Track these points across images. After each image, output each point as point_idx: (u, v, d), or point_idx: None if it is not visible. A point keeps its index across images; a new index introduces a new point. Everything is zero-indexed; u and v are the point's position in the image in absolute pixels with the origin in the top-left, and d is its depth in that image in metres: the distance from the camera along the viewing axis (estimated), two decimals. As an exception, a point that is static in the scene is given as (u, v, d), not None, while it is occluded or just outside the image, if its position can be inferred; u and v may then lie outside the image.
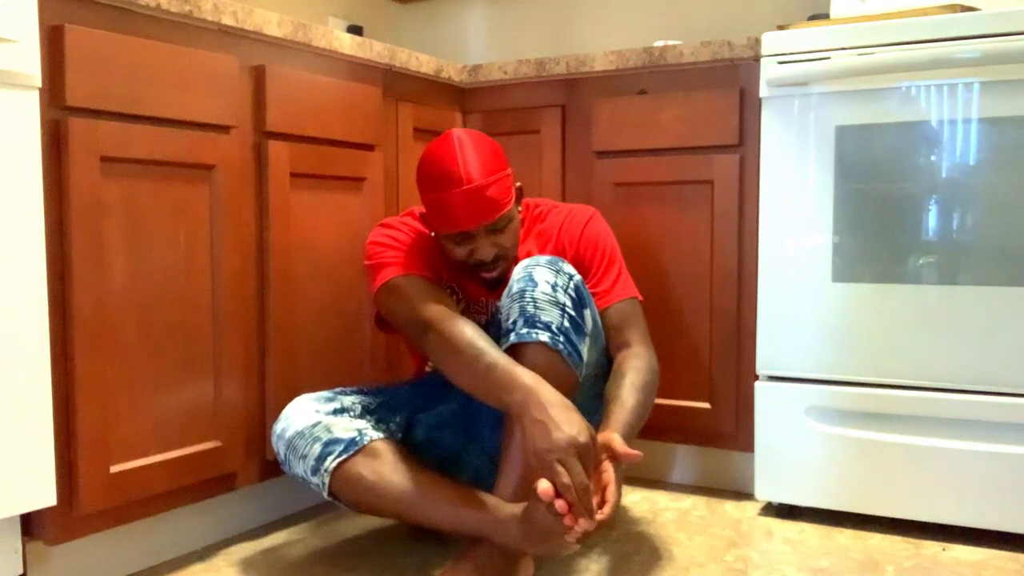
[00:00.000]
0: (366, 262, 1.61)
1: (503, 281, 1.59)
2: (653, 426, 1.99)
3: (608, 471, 1.32)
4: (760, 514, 1.85)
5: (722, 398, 1.92)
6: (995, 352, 1.62)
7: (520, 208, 1.64)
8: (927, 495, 1.68)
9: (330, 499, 1.49)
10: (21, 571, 1.36)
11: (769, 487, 1.83)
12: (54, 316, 1.33)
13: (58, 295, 1.33)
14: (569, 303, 1.45)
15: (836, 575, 1.53)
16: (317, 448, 1.47)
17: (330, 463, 1.46)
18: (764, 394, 1.83)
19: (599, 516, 1.27)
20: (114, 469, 1.41)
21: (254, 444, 1.67)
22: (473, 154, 1.50)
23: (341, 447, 1.47)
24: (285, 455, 1.51)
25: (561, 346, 1.42)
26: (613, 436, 1.36)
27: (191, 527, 1.64)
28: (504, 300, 1.49)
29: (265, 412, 1.68)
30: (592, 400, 1.54)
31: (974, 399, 1.64)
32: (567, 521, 1.24)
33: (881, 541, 1.69)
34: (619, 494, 1.32)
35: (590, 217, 1.69)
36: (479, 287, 1.65)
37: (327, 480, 1.46)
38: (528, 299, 1.43)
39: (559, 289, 1.45)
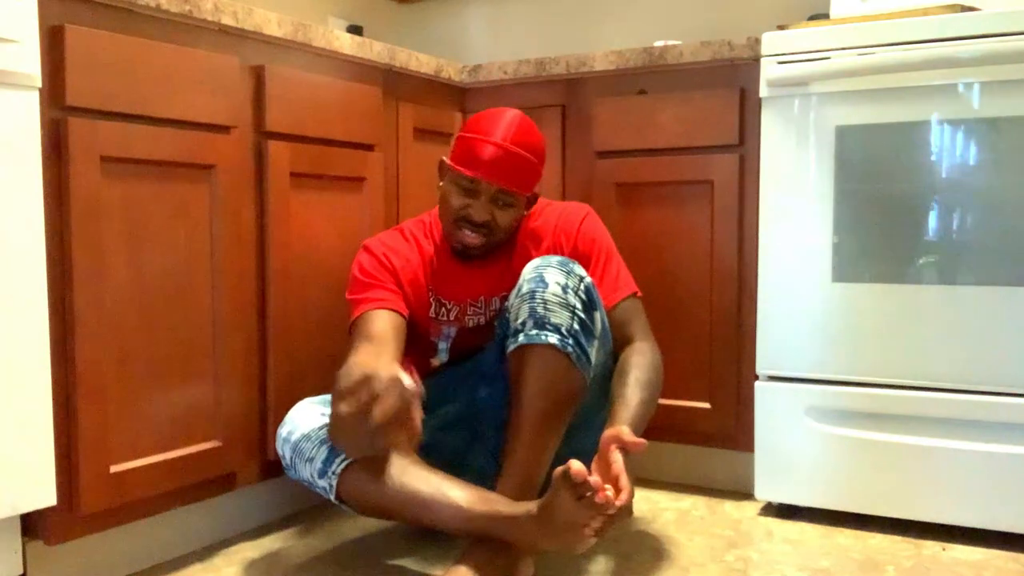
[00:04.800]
0: (347, 296, 1.64)
1: (475, 255, 1.61)
2: (653, 426, 1.98)
3: (617, 461, 1.32)
4: (760, 514, 1.85)
5: (722, 398, 1.92)
6: (995, 352, 1.62)
7: (526, 212, 1.66)
8: (927, 495, 1.68)
9: (337, 503, 1.47)
10: (21, 571, 1.36)
11: (769, 487, 1.83)
12: (54, 316, 1.33)
13: (58, 295, 1.33)
14: (579, 305, 1.45)
15: (836, 575, 1.53)
16: (324, 451, 1.46)
17: (338, 466, 1.44)
18: (764, 394, 1.82)
19: (618, 502, 1.27)
20: (114, 469, 1.41)
21: (254, 444, 1.67)
22: (526, 131, 1.58)
23: None
24: (291, 459, 1.50)
25: (570, 349, 1.42)
26: (622, 428, 1.36)
27: (191, 527, 1.64)
28: (513, 300, 1.49)
29: (265, 412, 1.68)
30: (598, 400, 1.54)
31: (974, 399, 1.64)
32: (599, 497, 1.23)
33: (881, 541, 1.69)
34: (632, 483, 1.31)
35: (585, 215, 1.69)
36: (460, 290, 1.65)
37: (335, 483, 1.44)
38: (538, 300, 1.43)
39: (569, 291, 1.44)
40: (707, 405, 1.94)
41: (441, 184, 1.63)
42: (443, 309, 1.67)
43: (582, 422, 1.52)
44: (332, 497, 1.46)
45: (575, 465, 1.23)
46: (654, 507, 1.89)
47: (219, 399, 1.58)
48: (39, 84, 1.29)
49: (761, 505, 1.90)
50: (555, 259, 1.49)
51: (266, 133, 1.66)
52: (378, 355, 1.43)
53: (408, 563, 1.59)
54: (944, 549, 1.64)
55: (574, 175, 2.08)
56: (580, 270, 1.49)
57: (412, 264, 1.65)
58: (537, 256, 1.59)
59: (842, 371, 1.75)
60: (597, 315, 1.49)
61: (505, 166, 1.54)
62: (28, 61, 1.26)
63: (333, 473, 1.44)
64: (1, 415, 1.25)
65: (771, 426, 1.81)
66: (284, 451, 1.52)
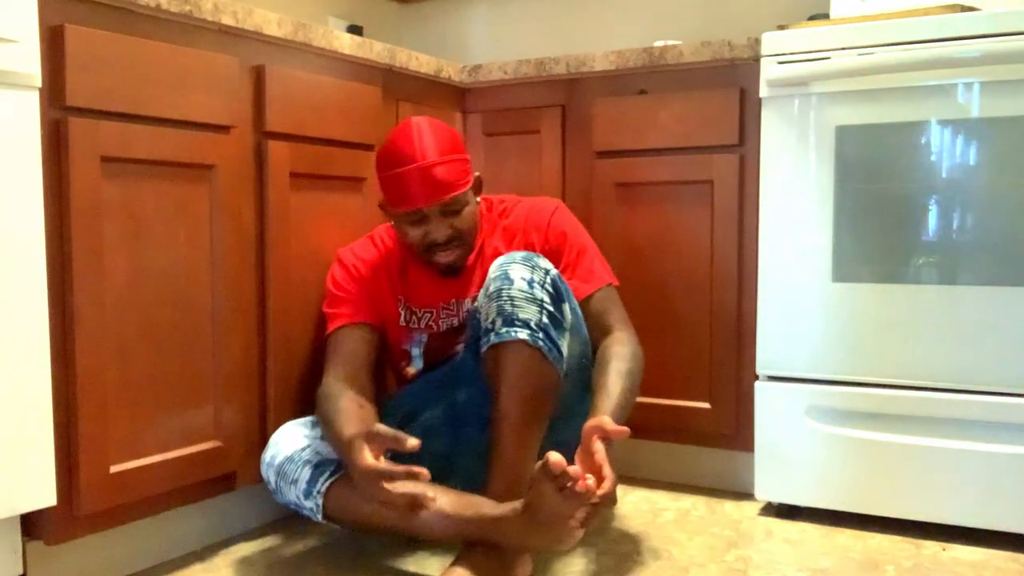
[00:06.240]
0: (323, 308, 1.68)
1: (458, 268, 1.62)
2: (654, 426, 1.99)
3: (600, 451, 1.32)
4: (760, 514, 1.85)
5: (722, 398, 1.92)
6: (995, 352, 1.62)
7: (479, 199, 1.67)
8: (927, 495, 1.68)
9: (325, 522, 1.48)
10: (21, 571, 1.36)
11: (769, 487, 1.83)
12: (54, 316, 1.33)
13: (58, 295, 1.33)
14: (547, 298, 1.45)
15: (836, 575, 1.53)
16: (307, 471, 1.47)
17: (322, 484, 1.45)
18: (764, 394, 1.82)
19: (600, 490, 1.27)
20: (114, 469, 1.41)
21: (254, 444, 1.67)
22: (428, 136, 1.56)
23: (332, 467, 1.46)
24: (276, 482, 1.51)
25: (541, 343, 1.42)
26: (603, 418, 1.36)
27: (191, 527, 1.64)
28: (481, 299, 1.49)
29: (265, 412, 1.68)
30: (578, 392, 1.54)
31: (974, 399, 1.64)
32: (580, 486, 1.23)
33: (881, 541, 1.69)
34: (615, 472, 1.32)
35: (555, 208, 1.69)
36: (431, 295, 1.66)
37: (321, 502, 1.45)
38: (505, 298, 1.44)
39: (536, 285, 1.45)
40: (707, 405, 1.94)
41: (392, 223, 1.65)
42: (414, 316, 1.68)
43: (564, 414, 1.52)
44: (320, 517, 1.46)
45: (553, 457, 1.24)
46: (654, 507, 1.89)
47: (219, 399, 1.58)
48: (39, 84, 1.29)
49: (761, 505, 1.90)
50: (519, 255, 1.49)
51: (266, 133, 1.66)
52: (360, 405, 1.48)
53: (406, 564, 1.59)
54: (944, 549, 1.64)
55: (574, 175, 2.08)
56: (545, 263, 1.49)
57: (380, 275, 1.67)
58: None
59: (842, 371, 1.75)
60: (566, 307, 1.49)
61: (435, 182, 1.53)
62: (28, 61, 1.26)
63: (318, 492, 1.45)
64: (1, 415, 1.25)
65: (771, 426, 1.81)
66: (269, 475, 1.52)
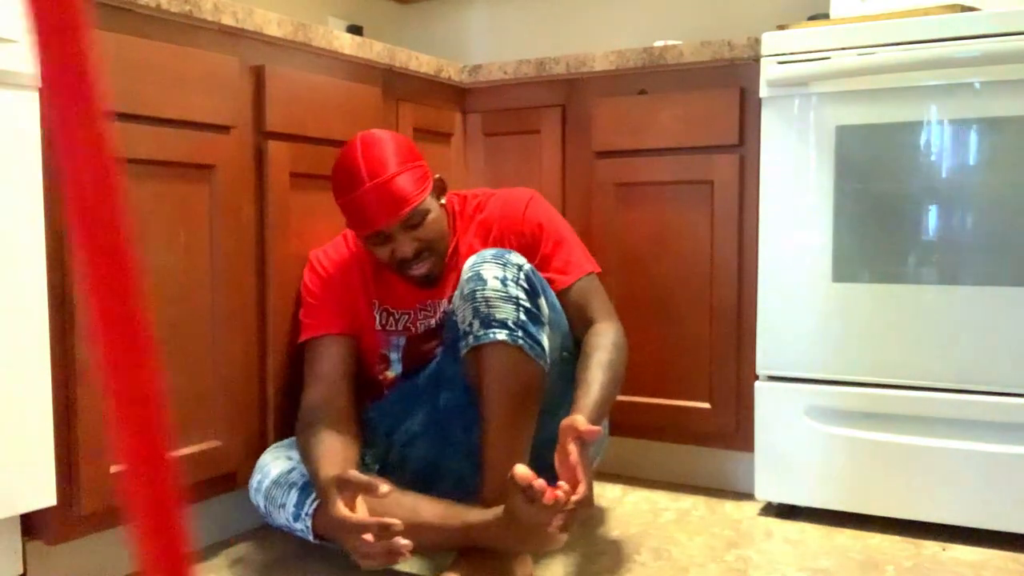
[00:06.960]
0: (299, 315, 1.67)
1: (435, 277, 1.60)
2: (654, 426, 1.99)
3: (573, 453, 1.31)
4: (760, 514, 1.85)
5: (722, 398, 1.92)
6: (995, 352, 1.62)
7: (443, 201, 1.63)
8: (927, 495, 1.68)
9: (318, 542, 1.46)
10: (21, 571, 1.36)
11: (769, 487, 1.83)
12: (54, 316, 1.33)
13: (59, 295, 1.33)
14: (522, 295, 1.43)
15: (836, 575, 1.53)
16: (294, 494, 1.46)
17: (309, 506, 1.44)
18: (764, 394, 1.82)
19: (575, 496, 1.27)
20: (114, 469, 1.41)
21: (254, 444, 1.67)
22: (375, 152, 1.51)
23: None
24: (265, 507, 1.50)
25: (521, 341, 1.41)
26: (577, 417, 1.34)
27: (191, 527, 1.64)
28: (457, 301, 1.48)
29: (265, 412, 1.68)
30: (560, 386, 1.53)
31: (974, 399, 1.64)
32: (547, 498, 1.23)
33: (881, 541, 1.68)
34: (590, 473, 1.31)
35: (529, 199, 1.66)
36: (408, 296, 1.64)
37: (310, 524, 1.44)
38: (480, 299, 1.42)
39: (509, 283, 1.43)
40: (707, 405, 1.94)
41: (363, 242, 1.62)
42: (391, 319, 1.65)
43: (548, 409, 1.50)
44: (311, 538, 1.45)
45: (519, 470, 1.24)
46: (654, 507, 1.89)
47: (219, 399, 1.58)
48: (39, 84, 1.28)
49: (761, 505, 1.90)
50: (489, 253, 1.47)
51: (266, 133, 1.65)
52: (339, 433, 1.47)
53: (405, 564, 1.58)
54: (944, 549, 1.64)
55: (574, 175, 2.08)
56: (517, 259, 1.47)
57: (353, 276, 1.65)
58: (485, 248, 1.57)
59: (842, 371, 1.75)
60: (542, 301, 1.47)
61: (389, 200, 1.49)
62: (28, 61, 1.26)
63: (306, 515, 1.44)
64: (1, 415, 1.25)
65: (771, 426, 1.81)
66: (258, 501, 1.52)
